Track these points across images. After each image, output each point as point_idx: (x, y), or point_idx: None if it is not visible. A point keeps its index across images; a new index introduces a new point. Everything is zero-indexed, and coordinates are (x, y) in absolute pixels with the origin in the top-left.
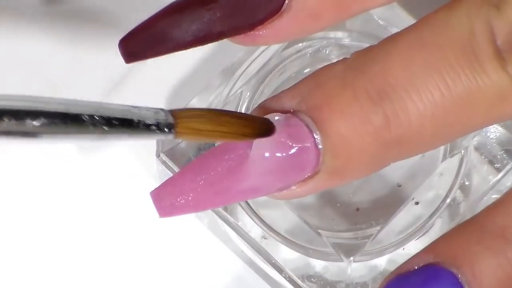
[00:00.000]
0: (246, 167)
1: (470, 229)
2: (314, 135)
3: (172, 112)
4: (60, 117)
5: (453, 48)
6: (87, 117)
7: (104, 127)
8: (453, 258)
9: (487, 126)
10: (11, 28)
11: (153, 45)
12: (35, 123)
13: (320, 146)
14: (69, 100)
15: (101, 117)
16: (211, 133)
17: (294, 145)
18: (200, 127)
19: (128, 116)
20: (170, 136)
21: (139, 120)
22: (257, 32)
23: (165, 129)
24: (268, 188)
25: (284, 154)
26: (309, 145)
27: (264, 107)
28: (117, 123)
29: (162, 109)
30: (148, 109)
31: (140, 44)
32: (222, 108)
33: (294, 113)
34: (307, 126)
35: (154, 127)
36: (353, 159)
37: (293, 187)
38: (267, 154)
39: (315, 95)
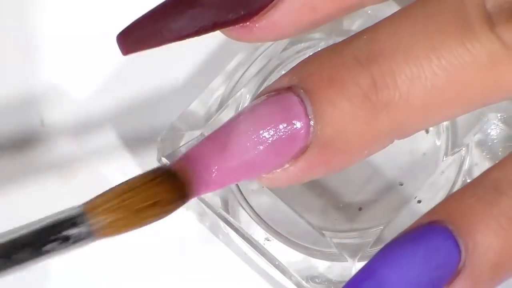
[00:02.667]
0: (237, 142)
1: (465, 188)
2: (306, 105)
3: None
4: None
5: (441, 15)
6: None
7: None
8: (447, 214)
9: (486, 101)
10: (13, 27)
11: (149, 37)
12: None
13: (311, 115)
14: None
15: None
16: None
17: (284, 116)
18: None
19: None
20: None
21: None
22: (252, 24)
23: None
24: (262, 164)
25: (275, 126)
26: (299, 114)
27: (262, 92)
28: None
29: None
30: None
31: (136, 36)
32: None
33: (288, 88)
34: (298, 96)
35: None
36: (343, 126)
37: (287, 165)
38: (257, 126)
39: (306, 67)
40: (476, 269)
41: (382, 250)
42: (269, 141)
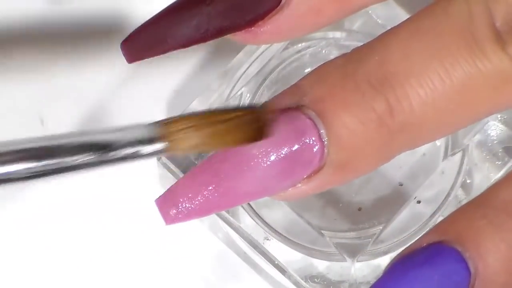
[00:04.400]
0: (250, 167)
1: (473, 206)
2: (319, 128)
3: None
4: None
5: (451, 34)
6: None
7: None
8: (457, 235)
9: (494, 113)
10: (14, 28)
11: (154, 45)
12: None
13: (324, 139)
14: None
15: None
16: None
17: (298, 140)
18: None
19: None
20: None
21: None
22: (258, 29)
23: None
24: (275, 186)
25: (289, 150)
26: (313, 138)
27: (267, 107)
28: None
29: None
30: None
31: (140, 44)
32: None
33: (297, 108)
34: (310, 119)
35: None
36: (358, 150)
37: (299, 185)
38: (271, 151)
39: (317, 88)
40: None
41: (391, 270)
42: (283, 166)
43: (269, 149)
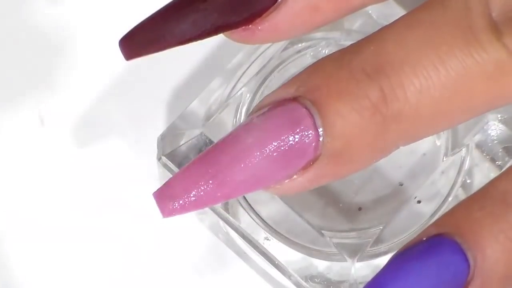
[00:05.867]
0: (246, 156)
1: (473, 199)
2: (314, 117)
3: None
4: None
5: (447, 24)
6: None
7: None
8: (455, 227)
9: (492, 107)
10: (14, 27)
11: (151, 42)
12: None
13: (320, 128)
14: None
15: None
16: None
17: (293, 129)
18: None
19: None
20: None
21: None
22: (255, 27)
23: None
24: (271, 177)
25: (284, 139)
26: (308, 127)
27: (266, 101)
28: None
29: None
30: None
31: (138, 41)
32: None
33: (294, 98)
34: (306, 108)
35: None
36: (352, 139)
37: (295, 176)
38: (267, 140)
39: (313, 78)
40: (485, 282)
41: (390, 263)
42: (278, 155)
43: (264, 138)
